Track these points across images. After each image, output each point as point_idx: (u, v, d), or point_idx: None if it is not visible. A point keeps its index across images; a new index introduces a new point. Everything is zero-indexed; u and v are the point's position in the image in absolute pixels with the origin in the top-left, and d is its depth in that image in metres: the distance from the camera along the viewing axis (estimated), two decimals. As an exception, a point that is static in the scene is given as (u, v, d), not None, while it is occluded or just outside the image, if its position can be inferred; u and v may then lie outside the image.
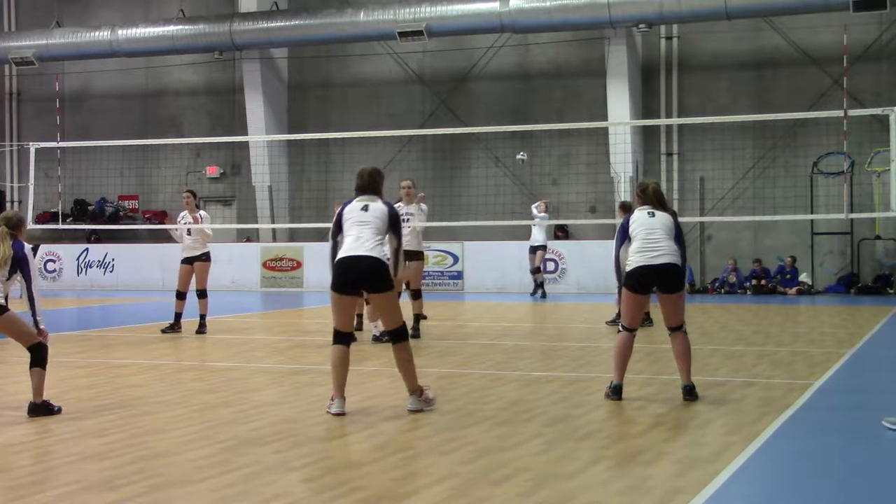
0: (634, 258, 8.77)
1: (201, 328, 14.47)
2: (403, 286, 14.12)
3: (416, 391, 8.17)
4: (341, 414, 7.95)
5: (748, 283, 23.50)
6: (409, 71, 26.90)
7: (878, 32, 23.32)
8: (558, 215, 24.70)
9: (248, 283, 25.46)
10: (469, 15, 23.84)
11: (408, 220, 13.53)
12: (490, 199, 25.24)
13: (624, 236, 8.96)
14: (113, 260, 27.05)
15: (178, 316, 14.58)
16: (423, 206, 14.02)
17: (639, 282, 8.74)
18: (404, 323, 8.25)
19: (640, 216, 8.90)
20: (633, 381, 9.45)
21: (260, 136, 26.35)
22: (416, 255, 13.78)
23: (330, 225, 8.42)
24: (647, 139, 24.93)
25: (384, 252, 8.13)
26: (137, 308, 20.32)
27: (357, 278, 8.04)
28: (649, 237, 8.77)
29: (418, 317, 13.96)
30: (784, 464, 6.58)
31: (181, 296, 14.63)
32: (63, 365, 10.87)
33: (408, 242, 13.60)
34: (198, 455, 6.67)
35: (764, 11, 22.69)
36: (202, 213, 14.91)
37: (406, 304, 13.81)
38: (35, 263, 8.48)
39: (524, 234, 23.55)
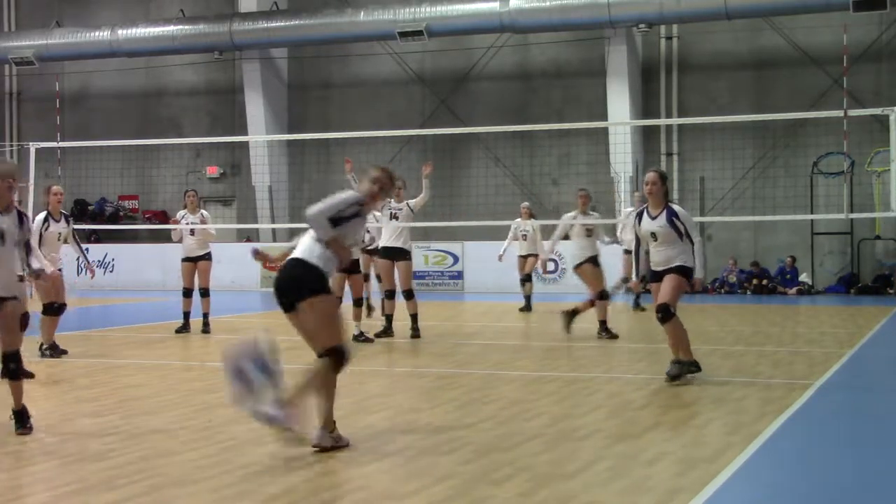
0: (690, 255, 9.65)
1: (205, 327, 14.48)
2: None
3: (330, 425, 6.86)
4: None
5: (742, 276, 23.46)
6: (409, 71, 26.89)
7: (878, 32, 23.31)
8: (559, 215, 24.63)
9: (248, 283, 25.43)
10: (469, 15, 23.82)
11: (396, 216, 13.53)
12: (490, 199, 25.22)
13: None
14: (113, 260, 27.02)
15: (186, 315, 14.59)
16: (412, 202, 13.79)
17: None
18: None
19: None
20: (634, 381, 9.46)
21: (260, 136, 26.35)
22: (404, 255, 13.66)
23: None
24: (647, 139, 24.92)
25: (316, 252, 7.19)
26: (137, 308, 20.32)
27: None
28: None
29: (414, 317, 13.80)
30: (784, 464, 6.59)
31: (190, 293, 14.64)
32: (63, 365, 10.88)
33: (394, 240, 13.56)
34: (198, 455, 6.67)
35: (764, 11, 22.67)
36: (204, 212, 14.93)
37: (401, 305, 13.85)
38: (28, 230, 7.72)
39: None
